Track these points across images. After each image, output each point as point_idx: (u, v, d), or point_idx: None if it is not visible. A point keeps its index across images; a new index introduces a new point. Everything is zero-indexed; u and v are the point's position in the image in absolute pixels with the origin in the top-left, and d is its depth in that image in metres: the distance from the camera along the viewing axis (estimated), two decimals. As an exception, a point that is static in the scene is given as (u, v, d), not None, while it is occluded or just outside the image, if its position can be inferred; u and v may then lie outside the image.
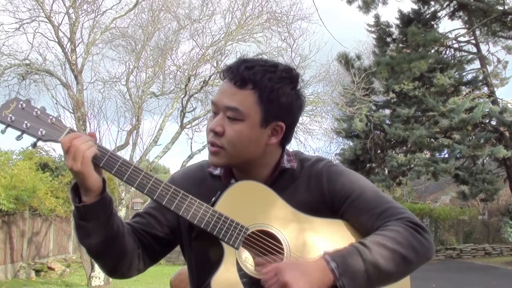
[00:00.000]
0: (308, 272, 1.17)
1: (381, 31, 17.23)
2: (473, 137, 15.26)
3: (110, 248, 1.27)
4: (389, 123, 16.20)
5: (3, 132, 1.20)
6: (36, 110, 1.22)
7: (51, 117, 1.23)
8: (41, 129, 1.21)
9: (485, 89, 16.20)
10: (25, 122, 1.20)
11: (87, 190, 1.20)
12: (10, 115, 1.20)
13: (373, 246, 1.21)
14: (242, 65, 1.29)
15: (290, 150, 1.44)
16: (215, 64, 11.56)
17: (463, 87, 16.38)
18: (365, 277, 1.19)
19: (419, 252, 1.25)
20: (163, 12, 12.18)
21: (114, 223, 1.25)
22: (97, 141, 1.25)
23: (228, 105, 1.27)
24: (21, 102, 1.22)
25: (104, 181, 1.23)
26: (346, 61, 15.08)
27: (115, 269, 1.34)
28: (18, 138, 1.22)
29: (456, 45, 16.84)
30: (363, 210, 1.31)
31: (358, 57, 16.93)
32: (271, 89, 1.27)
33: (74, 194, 1.23)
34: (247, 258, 1.26)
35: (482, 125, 15.56)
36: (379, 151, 17.33)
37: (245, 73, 1.27)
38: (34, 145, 1.24)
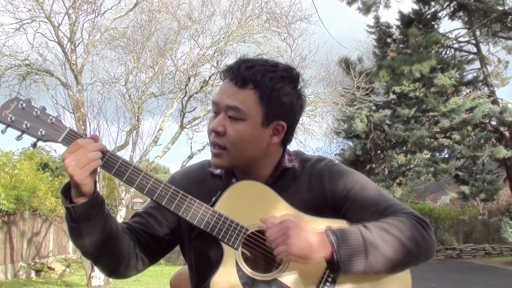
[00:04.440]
0: (310, 239, 1.19)
1: (381, 32, 17.23)
2: (473, 137, 15.26)
3: (104, 249, 1.26)
4: (389, 123, 16.19)
5: (3, 132, 1.20)
6: (36, 110, 1.22)
7: (51, 117, 1.22)
8: (41, 129, 1.21)
9: (485, 89, 16.20)
10: (25, 122, 1.20)
11: (78, 193, 1.19)
12: (10, 115, 1.20)
13: (375, 229, 1.22)
14: (242, 65, 1.29)
15: (291, 150, 1.44)
16: (215, 64, 11.56)
17: (464, 87, 16.38)
18: (363, 255, 1.20)
19: (421, 245, 1.25)
20: (163, 13, 12.18)
21: (106, 224, 1.24)
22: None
23: (230, 105, 1.27)
24: (21, 102, 1.21)
25: (95, 182, 1.22)
26: (347, 65, 15.08)
27: (112, 269, 1.34)
28: (18, 138, 1.22)
29: (456, 45, 16.85)
30: (365, 208, 1.31)
31: (359, 60, 16.93)
32: (272, 89, 1.27)
33: (65, 196, 1.22)
34: (247, 259, 1.26)
35: (482, 125, 15.56)
36: (379, 152, 17.33)
37: (245, 73, 1.27)
38: (34, 145, 1.24)
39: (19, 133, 1.21)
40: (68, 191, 1.21)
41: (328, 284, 1.25)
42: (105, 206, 1.25)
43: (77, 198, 1.19)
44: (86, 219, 1.21)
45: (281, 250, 1.18)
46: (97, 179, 1.25)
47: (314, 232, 1.21)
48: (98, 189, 1.24)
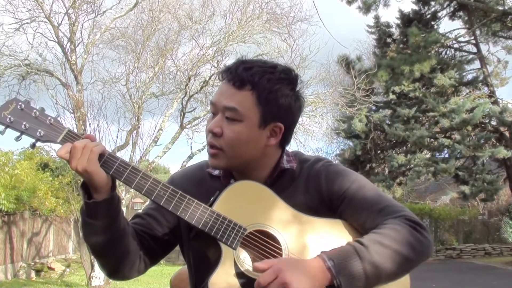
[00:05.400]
0: (307, 271, 1.16)
1: (381, 32, 17.22)
2: (473, 137, 15.26)
3: (114, 247, 1.27)
4: (389, 123, 16.18)
5: (2, 133, 1.21)
6: (35, 111, 1.22)
7: (49, 117, 1.23)
8: (39, 130, 1.22)
9: (485, 89, 16.20)
10: (24, 123, 1.21)
11: (96, 188, 1.21)
12: (9, 116, 1.20)
13: (371, 244, 1.20)
14: (240, 66, 1.29)
15: (290, 150, 1.44)
16: (215, 64, 11.56)
17: (464, 87, 16.37)
18: (363, 275, 1.18)
19: (417, 250, 1.24)
20: (163, 13, 12.19)
21: (121, 222, 1.26)
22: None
23: (227, 106, 1.27)
24: (20, 103, 1.22)
25: (113, 179, 1.24)
26: (346, 63, 15.08)
27: (117, 270, 1.35)
28: (17, 139, 1.22)
29: (456, 45, 16.84)
30: (361, 209, 1.30)
31: (359, 59, 16.91)
32: (269, 90, 1.27)
33: (84, 191, 1.24)
34: (245, 258, 1.26)
35: (482, 125, 15.55)
36: (379, 152, 17.31)
37: (243, 74, 1.27)
38: (32, 146, 1.24)
39: (18, 133, 1.22)
40: (87, 187, 1.23)
41: None
42: (121, 205, 1.27)
43: (97, 194, 1.22)
44: (104, 216, 1.23)
45: None
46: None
47: (308, 264, 1.19)
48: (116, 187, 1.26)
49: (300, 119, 1.41)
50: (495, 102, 15.48)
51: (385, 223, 1.26)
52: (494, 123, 15.48)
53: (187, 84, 11.27)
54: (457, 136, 15.11)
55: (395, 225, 1.25)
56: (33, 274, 12.42)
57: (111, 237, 1.25)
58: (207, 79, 11.35)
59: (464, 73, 16.29)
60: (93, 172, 1.19)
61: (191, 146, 12.55)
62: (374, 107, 16.38)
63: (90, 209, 1.22)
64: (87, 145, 1.19)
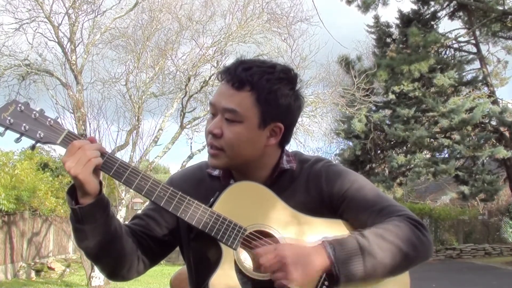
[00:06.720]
0: (306, 255, 1.19)
1: (380, 32, 17.21)
2: (473, 137, 15.25)
3: (108, 250, 1.27)
4: (389, 123, 16.17)
5: (1, 134, 1.21)
6: (34, 112, 1.22)
7: (49, 119, 1.23)
8: (39, 132, 1.21)
9: (485, 89, 16.19)
10: (24, 124, 1.21)
11: (84, 193, 1.20)
12: (9, 118, 1.20)
13: (372, 237, 1.22)
14: (239, 66, 1.28)
15: (290, 150, 1.44)
16: (215, 64, 11.57)
17: (463, 87, 16.37)
18: (361, 266, 1.20)
19: (418, 248, 1.26)
20: (163, 13, 12.19)
21: (111, 225, 1.25)
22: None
23: (226, 107, 1.27)
24: (19, 105, 1.22)
25: (100, 183, 1.23)
26: (346, 63, 15.07)
27: (114, 272, 1.34)
28: (17, 140, 1.22)
29: (456, 45, 16.83)
30: (362, 208, 1.31)
31: (359, 59, 16.90)
32: (269, 90, 1.27)
33: (71, 197, 1.22)
34: (245, 259, 1.26)
35: (482, 125, 15.55)
36: (379, 152, 17.31)
37: (242, 75, 1.26)
38: (32, 148, 1.24)
39: (18, 135, 1.21)
40: (73, 192, 1.22)
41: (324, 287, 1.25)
42: (110, 207, 1.26)
43: (83, 199, 1.20)
44: (92, 220, 1.21)
45: (280, 277, 1.18)
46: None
47: (309, 248, 1.20)
48: (103, 190, 1.25)
49: (300, 119, 1.41)
50: (495, 102, 15.48)
51: (387, 220, 1.27)
52: (494, 123, 15.47)
53: (187, 84, 11.27)
54: (457, 136, 15.10)
55: (397, 222, 1.26)
56: (33, 274, 12.42)
57: (101, 241, 1.24)
58: (207, 79, 11.36)
59: (464, 73, 16.28)
60: (84, 180, 1.17)
61: (191, 146, 12.59)
62: (374, 107, 16.36)
63: (76, 214, 1.21)
64: (86, 153, 1.18)
